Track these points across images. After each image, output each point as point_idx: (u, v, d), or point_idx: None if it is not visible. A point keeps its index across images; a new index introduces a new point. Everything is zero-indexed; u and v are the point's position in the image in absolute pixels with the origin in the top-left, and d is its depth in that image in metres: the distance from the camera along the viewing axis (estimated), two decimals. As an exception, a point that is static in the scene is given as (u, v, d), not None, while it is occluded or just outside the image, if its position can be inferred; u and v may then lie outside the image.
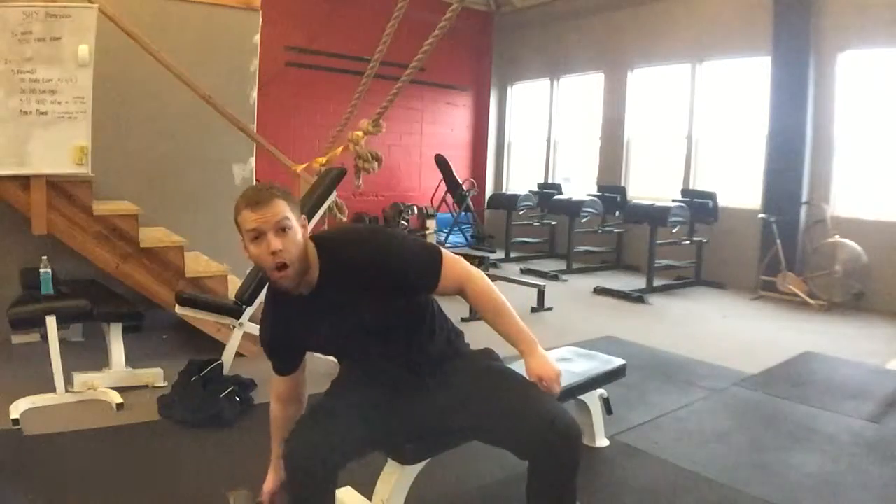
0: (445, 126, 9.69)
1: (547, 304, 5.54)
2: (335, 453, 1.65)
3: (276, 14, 6.28)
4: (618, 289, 6.34)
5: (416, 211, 8.68)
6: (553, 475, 1.62)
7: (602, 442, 2.74)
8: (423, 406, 1.74)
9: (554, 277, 7.05)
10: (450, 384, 1.73)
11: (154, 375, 3.35)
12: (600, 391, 2.72)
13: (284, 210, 1.54)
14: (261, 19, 4.91)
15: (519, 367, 1.84)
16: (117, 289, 3.78)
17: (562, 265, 7.72)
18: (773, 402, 3.40)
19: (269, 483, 1.86)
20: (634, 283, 6.78)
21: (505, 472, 2.41)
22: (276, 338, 1.75)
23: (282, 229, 1.52)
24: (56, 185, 3.55)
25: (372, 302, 1.64)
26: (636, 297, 6.05)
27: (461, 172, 9.34)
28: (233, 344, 3.31)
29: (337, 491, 2.05)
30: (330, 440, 1.63)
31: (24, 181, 3.44)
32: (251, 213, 1.52)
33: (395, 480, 1.78)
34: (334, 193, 3.62)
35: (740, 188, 7.08)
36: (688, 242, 6.88)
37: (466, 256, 2.17)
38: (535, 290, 5.57)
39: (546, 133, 9.46)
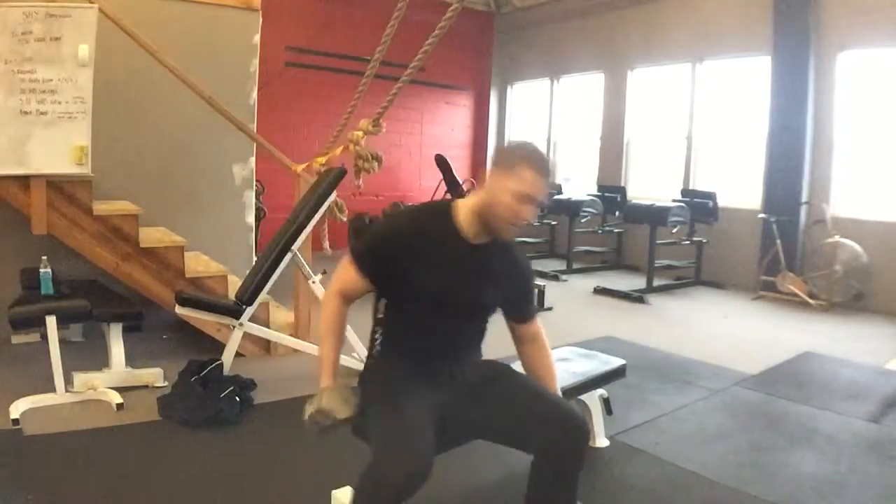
0: (445, 126, 9.68)
1: (547, 304, 5.54)
2: (430, 463, 1.53)
3: (276, 14, 6.28)
4: (618, 289, 6.34)
5: (416, 211, 8.68)
6: (560, 466, 1.66)
7: (602, 442, 2.74)
8: (452, 403, 1.74)
9: (554, 277, 7.05)
10: (470, 384, 1.78)
11: (154, 375, 3.35)
12: (600, 391, 2.72)
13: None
14: (261, 19, 4.91)
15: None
16: (117, 289, 3.78)
17: (562, 265, 7.72)
18: (773, 402, 3.40)
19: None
20: (634, 283, 6.78)
21: (505, 471, 2.41)
22: (400, 239, 1.71)
23: (539, 204, 1.70)
24: (56, 185, 3.55)
25: (493, 293, 1.79)
26: (636, 297, 6.05)
27: (461, 172, 9.33)
28: (233, 344, 3.31)
29: (336, 491, 2.06)
30: (425, 451, 1.53)
31: (24, 181, 3.44)
32: (538, 180, 1.64)
33: (395, 480, 1.77)
34: (334, 193, 3.62)
35: (740, 188, 7.08)
36: (688, 242, 6.88)
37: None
38: (534, 291, 5.56)
39: (546, 133, 9.46)
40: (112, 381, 3.20)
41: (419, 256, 1.68)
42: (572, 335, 4.39)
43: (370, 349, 1.85)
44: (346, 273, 1.75)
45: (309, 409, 1.65)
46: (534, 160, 1.64)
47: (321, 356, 1.74)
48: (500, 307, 1.86)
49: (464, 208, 1.72)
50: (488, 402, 1.73)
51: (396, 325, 1.79)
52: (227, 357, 3.28)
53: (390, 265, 1.71)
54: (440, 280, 1.69)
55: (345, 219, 3.93)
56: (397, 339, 1.79)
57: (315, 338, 3.87)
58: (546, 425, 1.66)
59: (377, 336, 1.82)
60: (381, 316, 1.80)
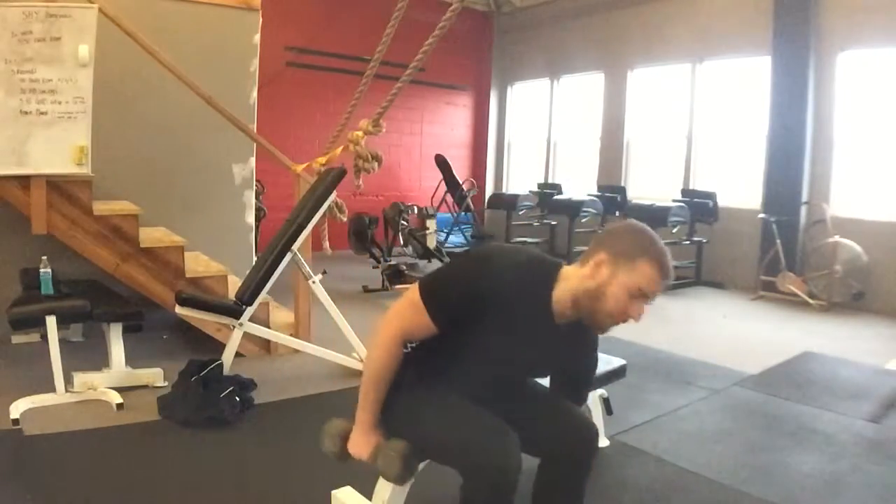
0: (445, 126, 9.69)
1: (547, 304, 5.53)
2: (518, 444, 1.51)
3: (276, 14, 6.28)
4: (618, 289, 6.33)
5: (416, 211, 8.69)
6: (568, 471, 1.66)
7: (602, 442, 2.74)
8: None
9: (554, 277, 7.04)
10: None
11: (154, 375, 3.35)
12: (600, 391, 2.72)
13: None
14: (261, 19, 4.91)
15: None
16: (117, 289, 3.78)
17: (562, 265, 7.70)
18: (773, 402, 3.40)
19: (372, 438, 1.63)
20: (634, 283, 6.77)
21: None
22: (492, 297, 1.49)
23: (651, 301, 1.52)
24: (56, 185, 3.54)
25: (553, 366, 1.76)
26: (636, 297, 6.03)
27: (461, 172, 9.34)
28: (233, 344, 3.31)
29: (336, 491, 2.06)
30: (512, 434, 1.50)
31: (24, 181, 3.44)
32: (660, 281, 1.48)
33: (395, 480, 1.77)
34: (334, 193, 3.62)
35: (740, 188, 7.08)
36: (688, 242, 6.88)
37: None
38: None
39: (546, 133, 9.46)
40: (112, 381, 3.20)
41: (501, 319, 1.50)
42: (572, 335, 4.39)
43: None
44: (417, 316, 1.53)
45: (328, 444, 1.71)
46: (657, 256, 1.48)
47: (371, 398, 1.60)
48: (552, 377, 1.82)
49: (564, 282, 1.54)
50: (501, 408, 1.70)
51: (435, 359, 1.63)
52: (227, 357, 3.28)
53: (469, 317, 1.51)
54: (509, 348, 1.56)
55: (345, 219, 3.93)
56: (429, 368, 1.64)
57: (315, 338, 3.90)
58: (557, 430, 1.65)
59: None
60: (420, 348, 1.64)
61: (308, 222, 3.50)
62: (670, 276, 1.50)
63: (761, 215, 6.45)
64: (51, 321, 2.97)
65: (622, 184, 8.13)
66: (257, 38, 4.90)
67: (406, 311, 1.55)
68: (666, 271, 1.49)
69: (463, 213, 8.78)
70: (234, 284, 3.74)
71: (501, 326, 1.51)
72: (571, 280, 1.54)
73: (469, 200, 8.71)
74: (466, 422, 1.53)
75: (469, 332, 1.53)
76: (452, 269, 1.67)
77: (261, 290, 3.33)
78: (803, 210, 6.39)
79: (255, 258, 4.74)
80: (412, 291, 1.56)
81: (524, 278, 1.53)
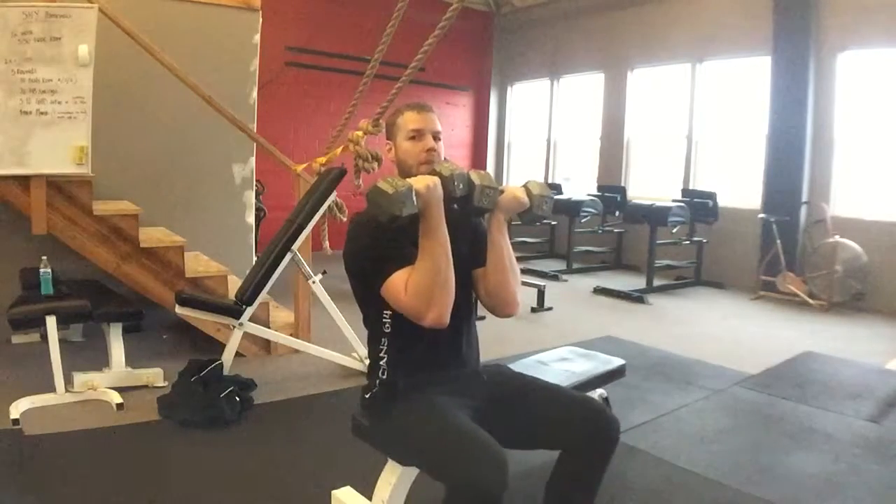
0: (445, 126, 9.55)
1: (547, 304, 5.54)
2: (507, 463, 1.49)
3: (276, 14, 6.28)
4: (618, 289, 6.34)
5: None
6: (594, 459, 1.70)
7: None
8: (478, 417, 1.69)
9: (554, 277, 7.05)
10: (489, 394, 1.76)
11: (154, 375, 3.35)
12: (600, 391, 2.72)
13: (439, 125, 1.82)
14: (261, 19, 4.91)
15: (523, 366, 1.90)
16: (117, 289, 3.78)
17: (562, 265, 7.72)
18: (773, 402, 3.40)
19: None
20: (634, 283, 6.78)
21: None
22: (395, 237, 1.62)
23: (436, 137, 1.78)
24: (56, 185, 3.55)
25: (463, 247, 1.78)
26: (636, 297, 6.05)
27: (461, 172, 9.33)
28: (233, 344, 3.31)
29: (336, 491, 2.06)
30: (501, 454, 1.47)
31: (24, 181, 3.44)
32: (417, 115, 1.78)
33: (395, 480, 1.77)
34: (334, 193, 3.62)
35: (740, 188, 7.08)
36: (688, 242, 6.88)
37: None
38: (535, 290, 5.57)
39: (546, 133, 9.47)
40: (112, 381, 3.20)
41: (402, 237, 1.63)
42: (572, 335, 4.39)
43: (375, 372, 1.75)
44: (398, 278, 1.61)
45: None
46: (406, 107, 1.80)
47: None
48: (471, 259, 1.82)
49: None
50: (515, 416, 1.73)
51: (401, 335, 1.70)
52: (227, 357, 3.28)
53: (387, 242, 1.64)
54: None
55: (345, 219, 3.92)
56: (404, 355, 1.72)
57: (315, 338, 3.90)
58: (580, 424, 1.67)
59: (382, 356, 1.73)
60: (387, 330, 1.71)
61: (308, 222, 3.50)
62: (422, 109, 1.78)
63: (761, 215, 6.45)
64: (51, 321, 2.97)
65: (622, 183, 8.13)
66: (257, 38, 4.90)
67: (397, 293, 1.60)
68: (418, 108, 1.78)
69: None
70: (234, 284, 3.74)
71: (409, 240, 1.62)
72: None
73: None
74: (456, 438, 1.52)
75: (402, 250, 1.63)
76: (351, 241, 1.73)
77: (261, 290, 3.33)
78: (803, 210, 6.39)
79: (255, 258, 4.74)
80: (388, 287, 1.62)
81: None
